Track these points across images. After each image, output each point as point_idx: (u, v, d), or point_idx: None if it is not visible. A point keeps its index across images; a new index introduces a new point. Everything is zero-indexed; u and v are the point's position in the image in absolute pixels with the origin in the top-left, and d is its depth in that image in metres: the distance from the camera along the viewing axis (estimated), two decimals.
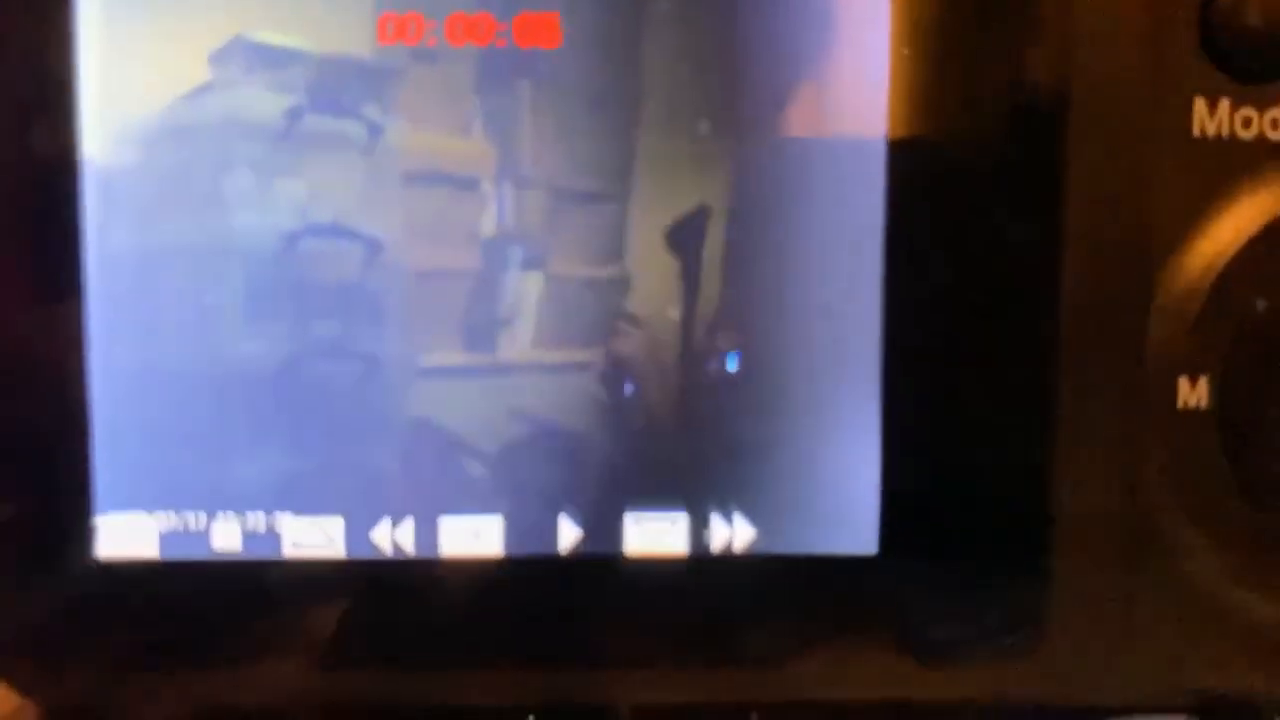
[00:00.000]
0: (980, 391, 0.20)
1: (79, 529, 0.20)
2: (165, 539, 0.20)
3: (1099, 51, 0.20)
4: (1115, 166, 0.21)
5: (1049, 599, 0.21)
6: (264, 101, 0.20)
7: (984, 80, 0.20)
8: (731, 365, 0.20)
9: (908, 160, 0.20)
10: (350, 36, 0.20)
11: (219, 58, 0.20)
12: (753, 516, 0.21)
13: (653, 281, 0.20)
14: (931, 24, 0.20)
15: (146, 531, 0.20)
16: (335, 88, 0.20)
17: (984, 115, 0.20)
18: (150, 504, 0.20)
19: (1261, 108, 0.21)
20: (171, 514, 0.20)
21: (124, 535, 0.20)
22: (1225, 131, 0.21)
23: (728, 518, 0.21)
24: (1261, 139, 0.21)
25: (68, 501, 0.20)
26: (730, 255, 0.20)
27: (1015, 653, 0.21)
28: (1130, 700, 0.21)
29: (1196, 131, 0.21)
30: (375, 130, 0.20)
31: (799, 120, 0.20)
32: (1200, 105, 0.21)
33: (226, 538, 0.20)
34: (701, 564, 0.21)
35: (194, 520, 0.20)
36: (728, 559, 0.21)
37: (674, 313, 0.20)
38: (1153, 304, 0.21)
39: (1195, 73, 0.21)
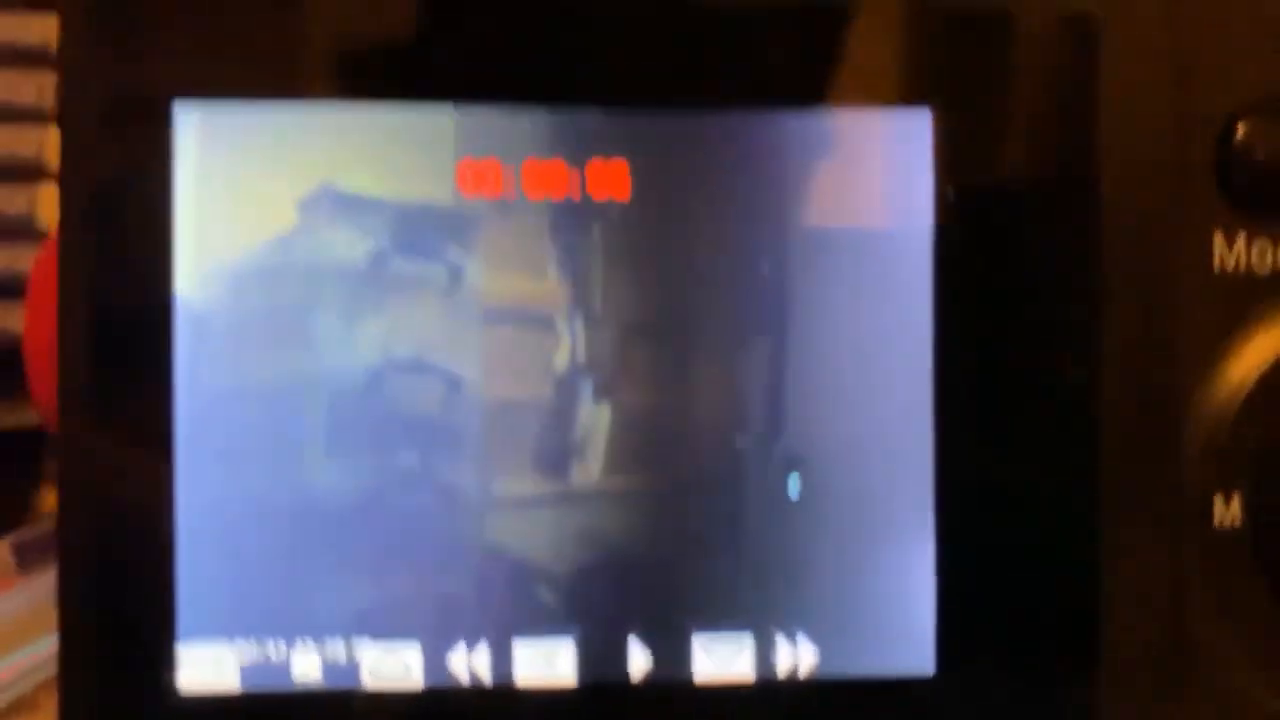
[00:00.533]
0: (1029, 516, 0.22)
1: (162, 658, 0.21)
2: (246, 671, 0.21)
3: (1125, 188, 0.22)
4: (1144, 300, 0.22)
5: (1098, 712, 0.22)
6: (349, 246, 0.21)
7: (1020, 225, 0.22)
8: (792, 491, 0.22)
9: (954, 300, 0.22)
10: (431, 186, 0.21)
11: (306, 205, 0.21)
12: (815, 638, 0.22)
13: (717, 411, 0.22)
14: (973, 151, 0.22)
15: (228, 663, 0.21)
16: (417, 234, 0.21)
17: (1023, 255, 0.22)
18: (232, 633, 0.21)
19: (1276, 242, 0.23)
20: (252, 643, 0.21)
21: (206, 666, 0.21)
22: (1243, 264, 0.23)
23: (792, 639, 0.22)
24: (1276, 271, 0.23)
25: (151, 631, 0.21)
26: (788, 384, 0.22)
27: None
28: None
29: (1217, 265, 0.23)
30: (456, 273, 0.21)
31: (850, 262, 0.22)
32: (1219, 242, 0.23)
33: (306, 668, 0.21)
34: (769, 689, 0.21)
35: (274, 650, 0.21)
36: (793, 683, 0.21)
37: (736, 441, 0.22)
38: (1184, 430, 0.22)
39: (1214, 208, 0.23)
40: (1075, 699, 0.22)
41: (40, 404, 0.26)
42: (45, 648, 0.31)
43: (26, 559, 0.39)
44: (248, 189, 0.21)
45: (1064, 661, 0.22)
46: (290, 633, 0.21)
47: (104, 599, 0.21)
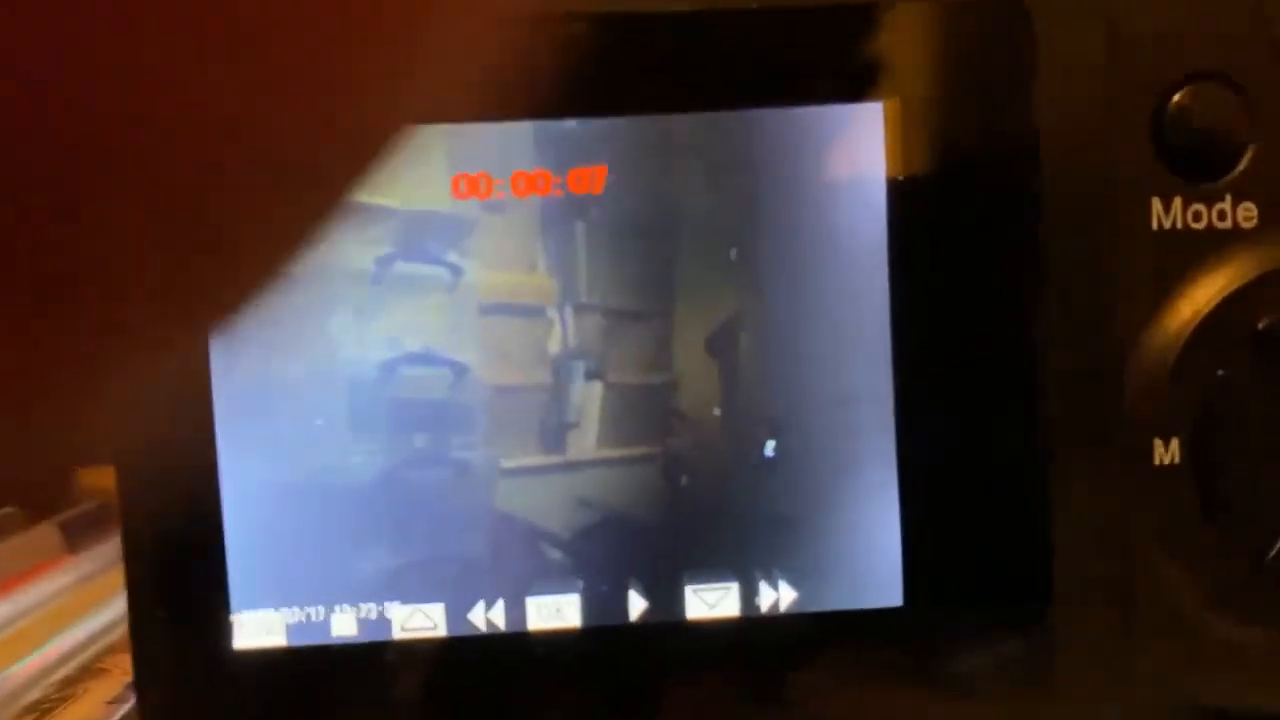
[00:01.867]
0: (985, 460, 0.25)
1: (219, 625, 0.24)
2: (292, 629, 0.24)
3: (1063, 153, 0.25)
4: (1086, 257, 0.25)
5: (1054, 635, 0.25)
6: (358, 252, 0.24)
7: (968, 178, 0.25)
8: (769, 452, 0.25)
9: (908, 268, 0.24)
10: (429, 195, 0.24)
11: None
12: (794, 580, 0.25)
13: (697, 384, 0.25)
14: (920, 137, 0.25)
15: (275, 625, 0.24)
16: (419, 238, 0.24)
17: (971, 225, 0.25)
18: (278, 601, 0.24)
19: (1209, 203, 0.25)
20: (296, 609, 0.24)
21: (257, 628, 0.24)
22: (1179, 224, 0.25)
23: (773, 583, 0.25)
24: (1210, 229, 0.25)
25: (208, 602, 0.24)
26: (761, 357, 0.25)
27: (1027, 684, 0.25)
28: None
29: (1155, 225, 0.25)
30: (456, 272, 0.24)
31: (811, 244, 0.24)
32: (1157, 204, 0.25)
33: (344, 626, 0.25)
34: (752, 624, 0.25)
35: (315, 613, 0.24)
36: (775, 619, 0.25)
37: (717, 410, 0.25)
38: (1126, 378, 0.25)
39: (1151, 174, 0.25)
40: (1033, 627, 0.25)
41: None
42: (99, 620, 0.35)
43: (73, 538, 0.43)
44: None
45: (1021, 594, 0.25)
46: (329, 598, 0.24)
47: (165, 579, 0.24)
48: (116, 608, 0.34)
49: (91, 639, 0.35)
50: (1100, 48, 0.25)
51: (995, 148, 0.25)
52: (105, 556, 0.41)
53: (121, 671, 0.30)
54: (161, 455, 0.24)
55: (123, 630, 0.32)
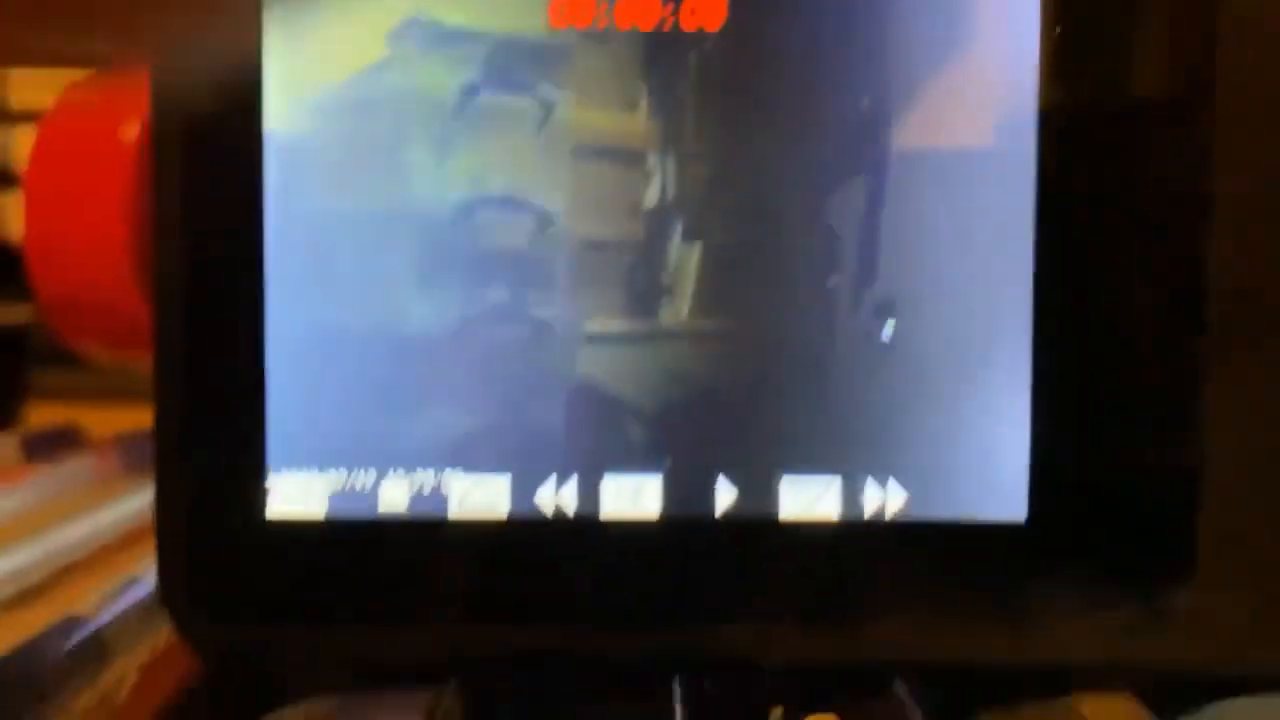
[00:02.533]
0: (1130, 362, 0.22)
1: (253, 487, 0.22)
2: (334, 499, 0.22)
3: (1241, 105, 0.22)
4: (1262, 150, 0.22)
5: (1198, 562, 0.22)
6: (440, 78, 0.22)
7: (1136, 67, 0.22)
8: (886, 334, 0.22)
9: (1060, 133, 0.22)
10: (523, 18, 0.22)
11: (396, 36, 0.22)
12: (905, 482, 0.22)
13: (809, 251, 0.22)
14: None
15: (316, 492, 0.22)
16: (509, 66, 0.22)
17: (1137, 97, 0.22)
18: (322, 462, 0.22)
19: None
20: (343, 471, 0.22)
21: (294, 494, 0.22)
22: None
23: (881, 483, 0.22)
24: None
25: (243, 458, 0.22)
26: (885, 225, 0.22)
27: (1164, 625, 0.22)
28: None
29: None
30: (547, 107, 0.22)
31: (953, 94, 0.22)
32: None
33: (393, 498, 0.22)
34: (853, 529, 0.22)
35: (363, 479, 0.22)
36: (879, 524, 0.22)
37: (830, 281, 0.22)
38: None
39: None
40: (1173, 549, 0.22)
41: (42, 302, 0.27)
42: (57, 539, 0.32)
43: (34, 452, 0.40)
44: (336, 20, 0.22)
45: (1165, 522, 0.22)
46: (381, 462, 0.22)
47: (195, 426, 0.22)
48: (71, 530, 0.31)
49: (49, 557, 0.32)
50: None
51: (1165, 88, 0.22)
52: (67, 474, 0.38)
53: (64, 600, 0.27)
54: (200, 289, 0.22)
55: (72, 559, 0.30)
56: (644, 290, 0.22)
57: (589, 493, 0.22)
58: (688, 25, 0.22)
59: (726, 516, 0.22)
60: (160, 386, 0.22)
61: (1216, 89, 0.22)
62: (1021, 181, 0.22)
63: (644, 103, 0.22)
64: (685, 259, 0.22)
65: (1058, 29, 0.22)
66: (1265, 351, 0.22)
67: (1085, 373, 0.22)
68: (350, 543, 0.22)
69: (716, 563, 0.22)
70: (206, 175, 0.22)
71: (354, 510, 0.22)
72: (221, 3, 0.22)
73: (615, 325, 0.22)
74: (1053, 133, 0.22)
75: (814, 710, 0.22)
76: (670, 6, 0.22)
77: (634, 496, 0.22)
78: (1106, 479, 0.22)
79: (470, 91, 0.22)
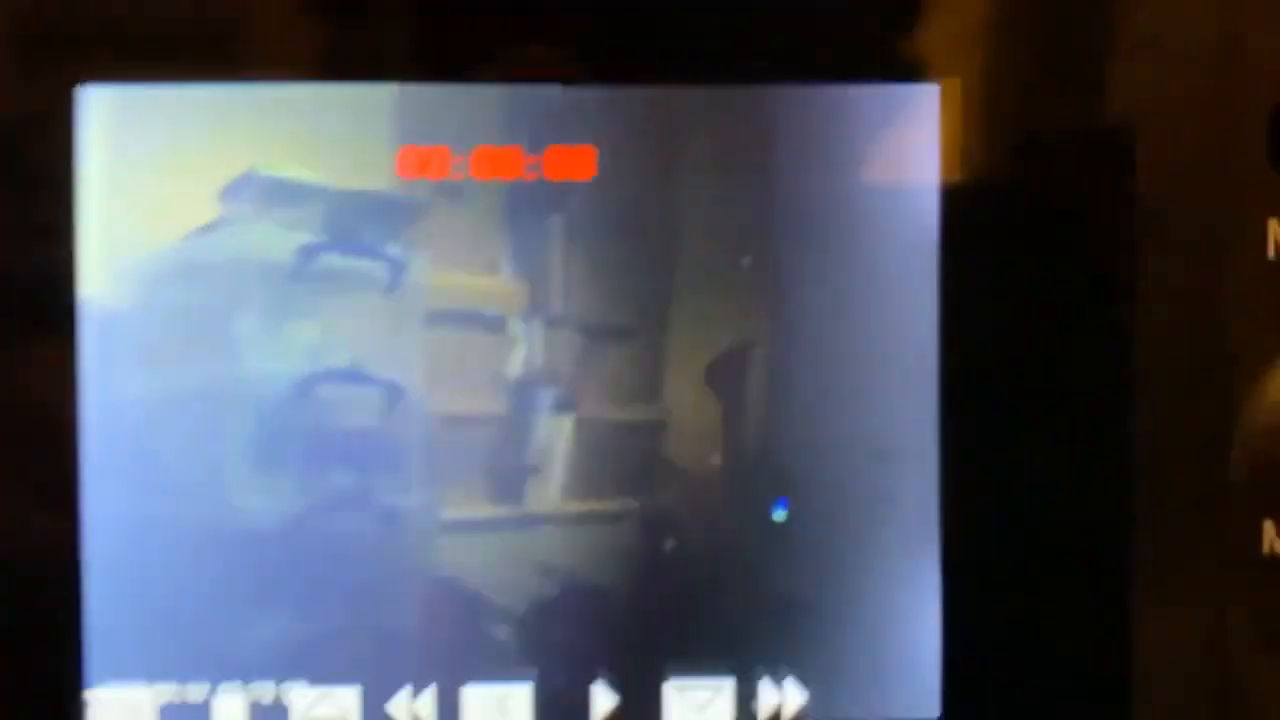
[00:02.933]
0: (1051, 541, 0.20)
1: (69, 704, 0.19)
2: (165, 712, 0.20)
3: (1167, 168, 0.20)
4: (1188, 285, 0.20)
5: None
6: (277, 239, 0.20)
7: (1044, 178, 0.20)
8: (779, 515, 0.20)
9: (964, 289, 0.20)
10: (369, 171, 0.20)
11: (229, 194, 0.20)
12: (805, 680, 0.20)
13: (692, 425, 0.20)
14: (978, 145, 0.20)
15: (144, 707, 0.19)
16: (353, 224, 0.20)
17: (1044, 233, 0.20)
18: (150, 674, 0.20)
19: None
20: (172, 685, 0.20)
21: (118, 710, 0.19)
22: None
23: (778, 683, 0.20)
24: None
25: (57, 673, 0.19)
26: (775, 394, 0.20)
27: None
28: None
29: (1272, 253, 0.21)
30: (396, 268, 0.20)
31: (846, 254, 0.20)
32: (1275, 226, 0.21)
33: (230, 710, 0.20)
34: None
35: (196, 692, 0.20)
36: None
37: (715, 458, 0.20)
38: (1234, 440, 0.20)
39: (1267, 189, 0.21)
40: None
41: None
42: None
43: None
44: (162, 178, 0.20)
45: (1092, 705, 0.20)
46: (214, 674, 0.20)
47: (6, 636, 0.19)
48: None
49: None
50: (1211, 35, 0.20)
51: (1077, 144, 0.20)
52: None
53: None
54: (7, 476, 0.20)
55: None
56: (509, 470, 0.20)
57: (448, 704, 0.20)
58: (554, 176, 0.20)
59: None
60: None
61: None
62: (923, 339, 0.20)
63: (505, 262, 0.20)
64: (555, 434, 0.20)
65: (953, 175, 0.20)
66: (1194, 520, 0.20)
67: (1004, 551, 0.20)
68: None
69: None
70: (10, 347, 0.20)
71: None
72: (32, 149, 0.20)
73: (476, 511, 0.20)
74: (954, 282, 0.20)
75: None
76: (534, 158, 0.20)
77: (499, 707, 0.20)
78: (1029, 667, 0.20)
79: (309, 253, 0.20)
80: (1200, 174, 0.20)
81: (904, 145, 0.20)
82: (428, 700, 0.20)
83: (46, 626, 0.20)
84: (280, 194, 0.20)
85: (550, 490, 0.20)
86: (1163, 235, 0.20)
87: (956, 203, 0.20)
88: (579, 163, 0.20)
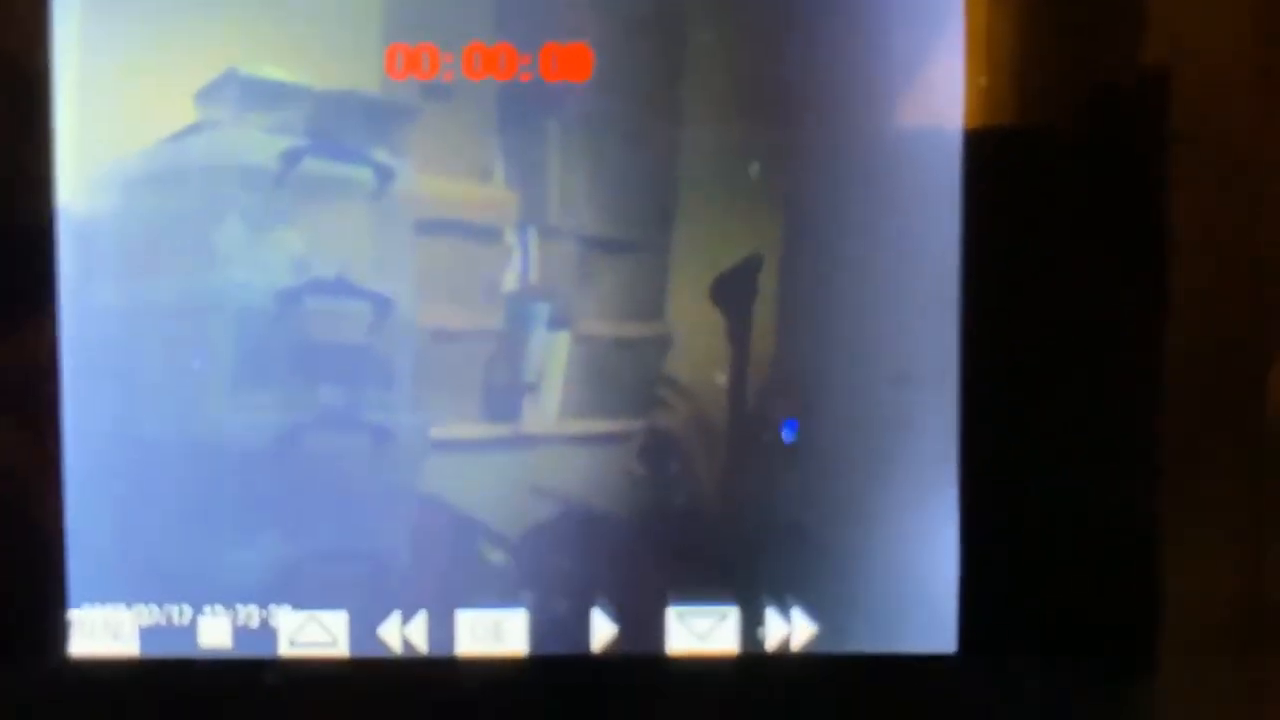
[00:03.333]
0: (1074, 469, 0.19)
1: (51, 623, 0.19)
2: (146, 634, 0.19)
3: (1196, 105, 0.19)
4: (1218, 228, 0.19)
5: (1160, 697, 0.19)
6: (258, 143, 0.19)
7: (1073, 122, 0.19)
8: (788, 436, 0.19)
9: (987, 203, 0.19)
10: (355, 71, 0.19)
11: (208, 95, 0.19)
12: (813, 610, 0.19)
13: (697, 342, 0.19)
14: (1008, 52, 0.19)
15: (125, 626, 0.19)
16: (338, 127, 0.19)
17: (1077, 164, 0.19)
18: (130, 596, 0.19)
19: None
20: (154, 607, 0.19)
21: (100, 630, 0.19)
22: None
23: (784, 612, 0.19)
24: None
25: (38, 593, 0.19)
26: (786, 311, 0.19)
27: None
28: None
29: None
30: (384, 175, 0.19)
31: (862, 169, 0.19)
32: None
33: (215, 633, 0.19)
34: (754, 664, 0.19)
35: (178, 614, 0.19)
36: (784, 659, 0.19)
37: (721, 377, 0.19)
38: (1269, 378, 0.19)
39: None
40: (1131, 679, 0.19)
41: None
42: None
43: None
44: (140, 79, 0.19)
45: (1115, 640, 0.19)
46: (197, 597, 0.19)
47: None
48: None
49: None
50: None
51: (1103, 90, 0.19)
52: None
53: None
54: None
55: None
56: (503, 388, 0.19)
57: (441, 630, 0.19)
58: (550, 77, 0.19)
59: (606, 654, 0.19)
60: None
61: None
62: (947, 252, 0.19)
63: (499, 169, 0.19)
64: (552, 351, 0.19)
65: (981, 81, 0.18)
66: (1229, 453, 0.19)
67: (1022, 479, 0.19)
68: (168, 683, 0.19)
69: (595, 706, 0.19)
70: None
71: (171, 648, 0.19)
72: (6, 51, 0.19)
73: (469, 430, 0.19)
74: (979, 198, 0.19)
75: None
76: (528, 57, 0.19)
77: (495, 632, 0.19)
78: (1050, 598, 0.19)
79: (293, 158, 0.19)
80: (1235, 117, 0.19)
81: (925, 47, 0.18)
82: (419, 625, 0.19)
83: (29, 546, 0.19)
84: (262, 95, 0.19)
85: (546, 410, 0.19)
86: (1192, 181, 0.19)
87: (983, 119, 0.18)
88: (575, 63, 0.19)
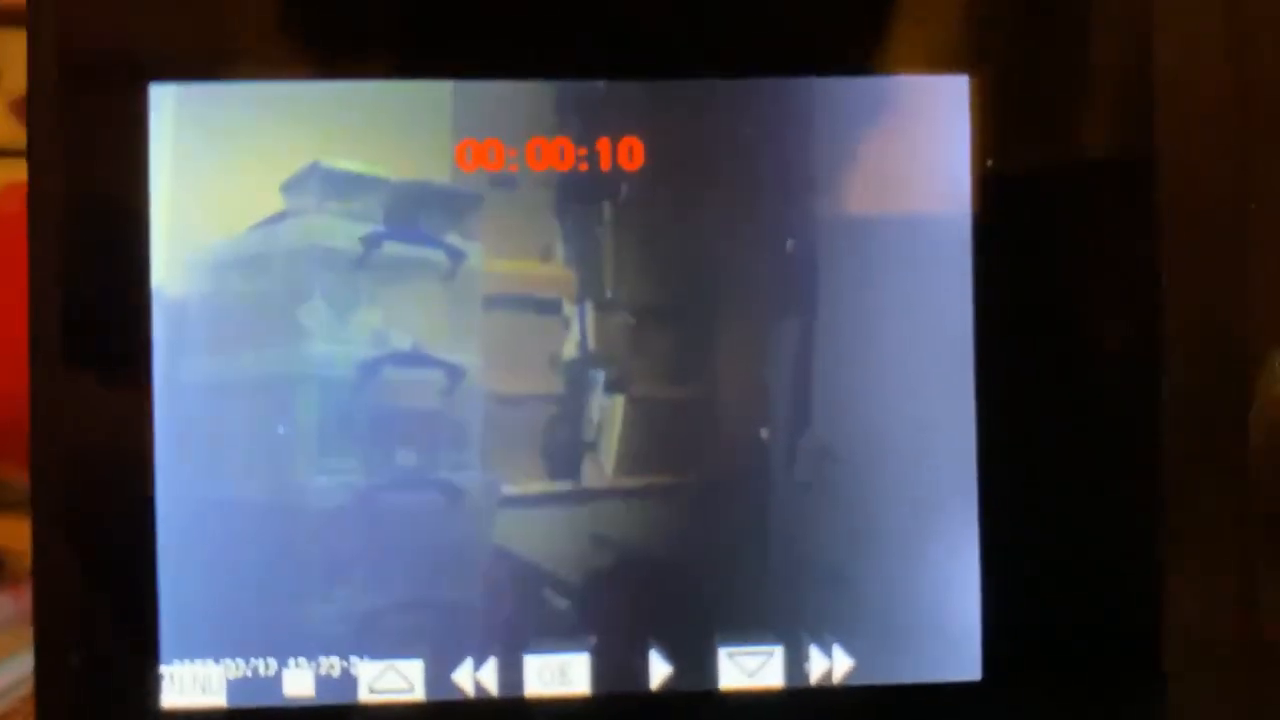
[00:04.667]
0: (1084, 505, 0.21)
1: (144, 679, 0.20)
2: (233, 686, 0.21)
3: (1190, 145, 0.21)
4: (1215, 266, 0.22)
5: (1178, 715, 0.21)
6: (340, 229, 0.21)
7: (1072, 174, 0.21)
8: (821, 485, 0.21)
9: (997, 269, 0.21)
10: (429, 163, 0.21)
11: (293, 186, 0.21)
12: (850, 645, 0.21)
13: (741, 401, 0.21)
14: (1013, 135, 0.21)
15: (213, 680, 0.20)
16: (414, 215, 0.21)
17: (1074, 213, 0.21)
18: (218, 651, 0.20)
19: None
20: (240, 662, 0.20)
21: (190, 684, 0.20)
22: None
23: (825, 648, 0.21)
24: None
25: (133, 649, 0.20)
26: (818, 372, 0.21)
27: None
28: None
29: None
30: (455, 256, 0.21)
31: (884, 240, 0.21)
32: None
33: (299, 684, 0.21)
34: (800, 698, 0.21)
35: (264, 667, 0.21)
36: (827, 691, 0.21)
37: (764, 432, 0.21)
38: (1251, 408, 0.22)
39: None
40: (1137, 704, 0.21)
41: None
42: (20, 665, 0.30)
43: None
44: (229, 172, 0.21)
45: (1124, 663, 0.21)
46: (281, 651, 0.21)
47: (79, 617, 0.20)
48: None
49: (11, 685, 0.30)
50: (1224, 40, 0.22)
51: (1105, 133, 0.22)
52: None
53: None
54: (85, 462, 0.21)
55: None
56: (565, 447, 0.21)
57: (510, 674, 0.21)
58: (605, 166, 0.21)
59: (663, 690, 0.21)
60: (40, 569, 0.20)
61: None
62: (960, 314, 0.21)
63: (559, 249, 0.21)
64: (608, 413, 0.21)
65: (989, 164, 0.21)
66: (1223, 485, 0.22)
67: (1038, 517, 0.21)
68: None
69: None
70: (88, 339, 0.21)
71: (257, 699, 0.21)
72: (106, 145, 0.21)
73: (534, 486, 0.21)
74: (989, 264, 0.21)
75: None
76: (585, 149, 0.21)
77: (560, 674, 0.21)
78: (1067, 630, 0.21)
79: (373, 242, 0.21)
80: (1228, 156, 0.22)
81: (938, 135, 0.21)
82: (489, 670, 0.21)
83: (124, 608, 0.20)
84: (343, 186, 0.21)
85: (604, 466, 0.21)
86: (1190, 219, 0.22)
87: (989, 192, 0.21)
88: (628, 154, 0.21)
